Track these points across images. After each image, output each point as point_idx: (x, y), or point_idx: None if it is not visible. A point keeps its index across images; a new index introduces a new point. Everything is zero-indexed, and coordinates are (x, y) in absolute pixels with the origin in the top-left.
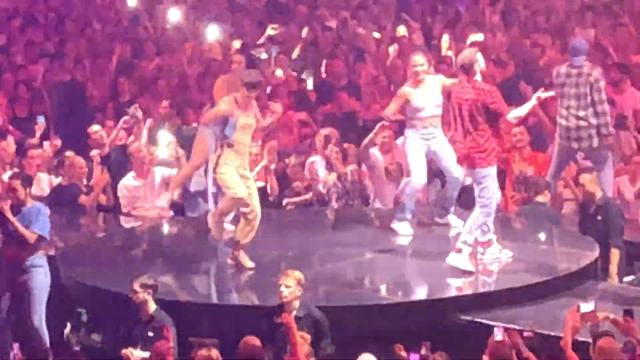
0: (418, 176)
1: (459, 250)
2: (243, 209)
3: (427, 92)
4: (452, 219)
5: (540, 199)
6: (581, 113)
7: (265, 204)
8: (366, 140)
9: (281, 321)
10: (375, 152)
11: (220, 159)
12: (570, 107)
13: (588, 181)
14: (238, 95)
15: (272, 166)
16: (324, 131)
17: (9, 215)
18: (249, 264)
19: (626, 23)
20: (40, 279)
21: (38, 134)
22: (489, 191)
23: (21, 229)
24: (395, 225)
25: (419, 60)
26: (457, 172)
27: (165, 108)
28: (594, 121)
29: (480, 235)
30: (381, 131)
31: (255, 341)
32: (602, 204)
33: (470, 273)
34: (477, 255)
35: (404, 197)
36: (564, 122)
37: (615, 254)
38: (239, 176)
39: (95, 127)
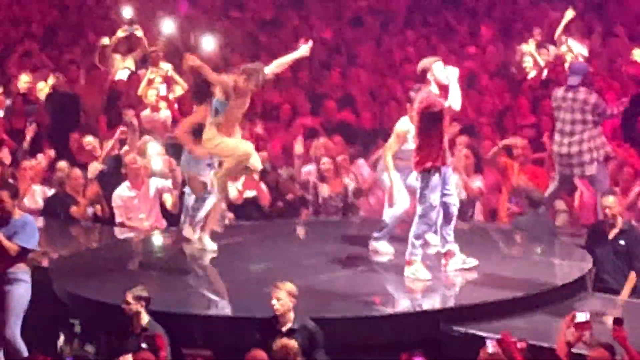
0: (403, 201)
1: (409, 263)
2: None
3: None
4: (430, 237)
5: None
6: (575, 138)
7: (257, 215)
8: (376, 155)
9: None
10: None
11: (209, 134)
12: (563, 132)
13: (611, 203)
14: (239, 80)
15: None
16: (319, 141)
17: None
18: (212, 246)
19: (619, 33)
20: (20, 293)
21: (28, 137)
22: (425, 199)
23: (3, 240)
24: (374, 244)
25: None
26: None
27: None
28: (585, 147)
29: (440, 247)
30: None
31: (262, 355)
32: (626, 229)
33: (427, 280)
34: (441, 267)
35: (387, 219)
36: (556, 147)
37: (633, 278)
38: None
39: (88, 138)
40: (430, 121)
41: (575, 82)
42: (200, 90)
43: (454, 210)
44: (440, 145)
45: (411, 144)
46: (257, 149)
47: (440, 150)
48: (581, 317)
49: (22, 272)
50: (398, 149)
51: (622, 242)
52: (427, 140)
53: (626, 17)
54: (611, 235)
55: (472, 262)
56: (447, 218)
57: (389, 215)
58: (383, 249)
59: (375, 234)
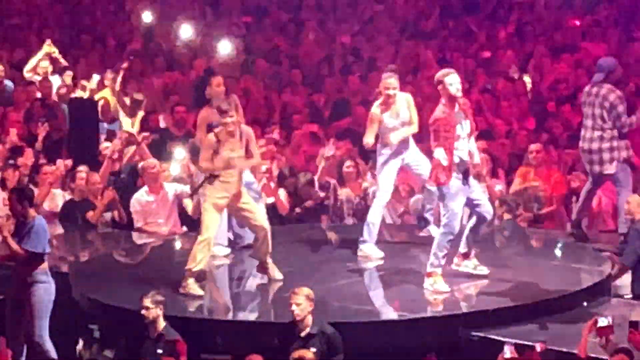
0: (385, 193)
1: (429, 275)
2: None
3: (396, 112)
4: (433, 229)
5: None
6: (596, 134)
7: (278, 220)
8: None
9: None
10: None
11: (205, 188)
12: (587, 127)
13: (633, 202)
14: (218, 130)
15: (272, 184)
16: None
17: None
18: (279, 275)
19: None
20: (40, 295)
21: (40, 137)
22: (448, 210)
23: (12, 244)
24: (361, 249)
25: (393, 83)
26: (426, 183)
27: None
28: (606, 145)
29: (462, 247)
30: None
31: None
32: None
33: (445, 292)
34: (452, 265)
35: (368, 216)
36: (581, 143)
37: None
38: (223, 205)
39: (105, 145)
40: (440, 136)
41: (599, 79)
42: (200, 95)
43: (488, 217)
44: (452, 158)
45: (393, 121)
46: (273, 156)
47: (446, 166)
48: (603, 322)
49: (40, 274)
50: (376, 130)
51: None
52: (444, 152)
53: None
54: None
55: (483, 270)
56: (478, 225)
57: (371, 211)
58: (371, 253)
59: (362, 237)
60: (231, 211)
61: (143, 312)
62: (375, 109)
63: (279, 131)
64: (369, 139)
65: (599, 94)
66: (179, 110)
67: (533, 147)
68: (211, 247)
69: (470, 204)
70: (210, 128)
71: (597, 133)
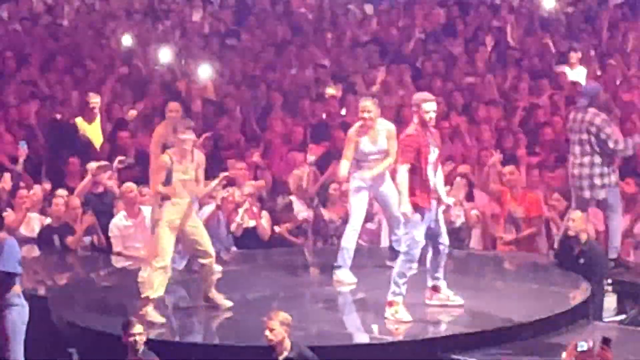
0: (357, 218)
1: (391, 304)
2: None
3: (374, 138)
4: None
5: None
6: (585, 160)
7: (257, 244)
8: None
9: None
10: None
11: (157, 213)
12: (575, 154)
13: (577, 218)
14: (172, 151)
15: (255, 209)
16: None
17: None
18: (227, 303)
19: (617, 61)
20: (14, 318)
21: (21, 160)
22: (409, 238)
23: None
24: (335, 274)
25: (368, 106)
26: (397, 212)
27: None
28: (597, 170)
29: (428, 281)
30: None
31: None
32: (586, 249)
33: (407, 322)
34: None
35: (342, 241)
36: (571, 169)
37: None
38: (176, 227)
39: (93, 164)
40: (408, 154)
41: (583, 104)
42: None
43: (445, 250)
44: (422, 185)
45: (369, 146)
46: (255, 178)
47: (423, 190)
48: (583, 346)
49: (13, 296)
50: (354, 154)
51: (582, 260)
52: (409, 180)
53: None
54: (574, 251)
55: (458, 300)
56: (436, 257)
57: (344, 236)
58: (345, 278)
59: (336, 262)
60: (178, 234)
61: (137, 338)
62: (353, 130)
63: (260, 154)
64: (343, 168)
65: (584, 119)
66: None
67: (507, 169)
68: (168, 273)
69: (428, 233)
70: (164, 148)
71: (586, 159)
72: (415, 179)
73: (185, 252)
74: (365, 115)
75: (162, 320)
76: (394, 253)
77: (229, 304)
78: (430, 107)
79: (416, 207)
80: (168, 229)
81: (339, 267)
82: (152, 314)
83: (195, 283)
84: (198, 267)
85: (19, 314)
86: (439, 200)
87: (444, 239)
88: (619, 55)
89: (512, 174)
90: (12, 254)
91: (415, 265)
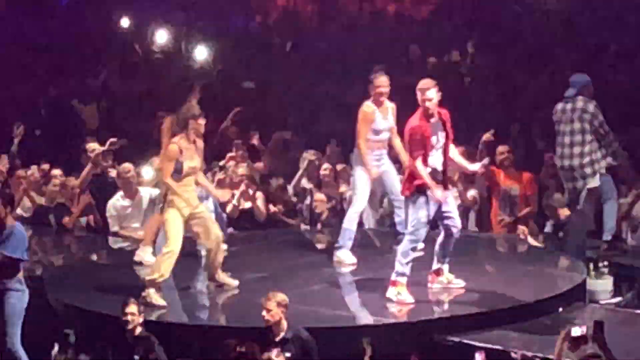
0: (362, 199)
1: (394, 284)
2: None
3: (385, 115)
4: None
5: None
6: (575, 150)
7: (253, 225)
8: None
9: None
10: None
11: (165, 201)
12: (564, 144)
13: (556, 200)
14: (178, 140)
15: (250, 191)
16: (309, 154)
17: None
18: (234, 282)
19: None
20: (14, 303)
21: (16, 141)
22: (414, 219)
23: None
24: (336, 254)
25: (385, 81)
26: (399, 194)
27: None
28: (587, 160)
29: (433, 264)
30: None
31: None
32: (564, 224)
33: (409, 304)
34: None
35: (344, 222)
36: (558, 161)
37: None
38: (185, 216)
39: (93, 145)
40: (417, 145)
41: (572, 94)
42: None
43: (456, 233)
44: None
45: (382, 123)
46: (253, 160)
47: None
48: (576, 331)
49: (14, 282)
50: (369, 131)
51: (560, 234)
52: (412, 163)
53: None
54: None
55: (459, 283)
56: (447, 240)
57: (347, 217)
58: (345, 259)
59: (337, 243)
60: (187, 219)
61: (128, 317)
62: (368, 108)
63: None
64: (364, 143)
65: (576, 108)
66: (160, 116)
67: (501, 148)
68: (175, 258)
69: (440, 216)
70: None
71: (576, 149)
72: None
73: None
74: (384, 90)
75: (163, 303)
76: (399, 236)
77: (236, 283)
78: (432, 94)
79: (420, 189)
80: (178, 215)
81: (340, 247)
82: (155, 297)
83: (199, 264)
84: (205, 250)
85: (19, 300)
86: (452, 183)
87: (457, 221)
88: None
89: (508, 153)
90: (22, 240)
91: (421, 245)
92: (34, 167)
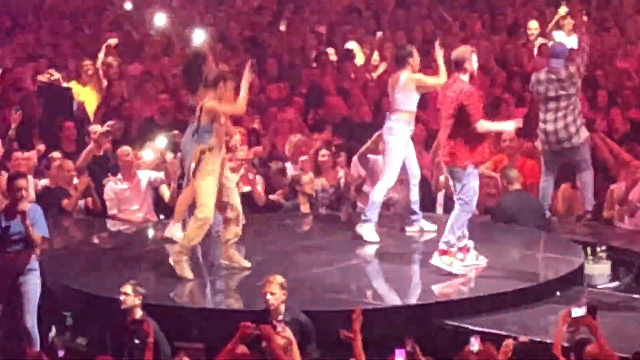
0: (394, 174)
1: (443, 252)
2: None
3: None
4: (424, 223)
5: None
6: (560, 114)
7: (252, 208)
8: (363, 148)
9: (262, 331)
10: (378, 158)
11: (200, 165)
12: (549, 110)
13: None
14: (213, 99)
15: (250, 174)
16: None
17: (27, 218)
18: (245, 263)
19: (611, 28)
20: (35, 282)
21: (14, 125)
22: (470, 188)
23: (32, 231)
24: (360, 227)
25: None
26: (418, 171)
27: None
28: (570, 119)
29: (457, 241)
30: (379, 139)
31: (244, 349)
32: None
33: (455, 275)
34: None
35: (372, 195)
36: (542, 125)
37: None
38: (218, 184)
39: (95, 127)
40: (478, 109)
41: (558, 65)
42: (190, 78)
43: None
44: (477, 138)
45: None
46: (251, 144)
47: (478, 144)
48: (577, 312)
49: (34, 261)
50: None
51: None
52: (466, 134)
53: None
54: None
55: (483, 260)
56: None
57: (376, 190)
58: (367, 235)
59: (363, 216)
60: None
61: (121, 297)
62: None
63: (260, 120)
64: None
65: (560, 75)
66: (162, 99)
67: (506, 135)
68: (207, 227)
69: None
70: None
71: (560, 112)
72: (471, 133)
73: None
74: (418, 64)
75: (190, 276)
76: (414, 216)
77: (248, 264)
78: (475, 57)
79: (474, 161)
80: (213, 179)
81: (366, 221)
82: (185, 266)
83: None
84: (223, 221)
85: (39, 279)
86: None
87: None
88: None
89: (512, 142)
90: (43, 218)
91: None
92: (32, 151)
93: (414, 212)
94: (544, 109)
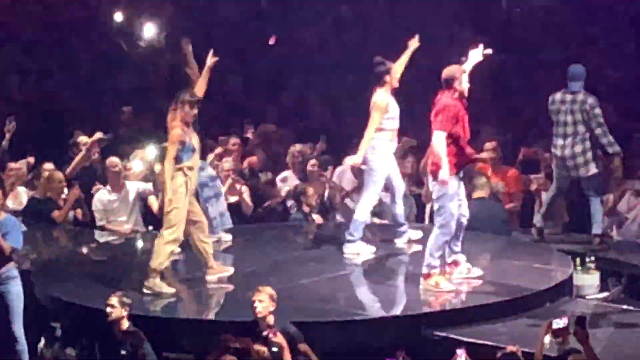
0: (376, 193)
1: (426, 276)
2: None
3: (395, 102)
4: (411, 233)
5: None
6: (577, 139)
7: (240, 220)
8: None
9: (241, 344)
10: (343, 168)
11: (175, 185)
12: (565, 135)
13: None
14: (180, 121)
15: (237, 186)
16: (296, 147)
17: None
18: (229, 269)
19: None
20: (17, 290)
21: (8, 136)
22: (446, 211)
23: (2, 242)
24: (347, 248)
25: (400, 69)
26: (402, 185)
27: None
28: (588, 146)
29: (447, 256)
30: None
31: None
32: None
33: (449, 292)
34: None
35: (356, 214)
36: (558, 152)
37: None
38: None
39: (83, 138)
40: (449, 122)
41: (577, 89)
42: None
43: (464, 221)
44: (460, 153)
45: (396, 109)
46: (245, 155)
47: (460, 158)
48: (558, 323)
49: (13, 269)
50: (380, 122)
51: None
52: (448, 148)
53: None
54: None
55: (477, 271)
56: (457, 230)
57: (361, 209)
58: (358, 252)
59: (348, 236)
60: None
61: (107, 309)
62: (382, 95)
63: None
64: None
65: (576, 99)
66: (126, 111)
67: (488, 145)
68: (177, 246)
69: None
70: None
71: (579, 137)
72: (453, 149)
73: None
74: (396, 81)
75: (173, 290)
76: (401, 228)
77: (231, 269)
78: (466, 78)
79: (442, 180)
80: (187, 199)
81: (353, 241)
82: (160, 284)
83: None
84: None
85: (20, 286)
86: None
87: (465, 210)
88: None
89: (495, 151)
90: (19, 228)
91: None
92: (22, 161)
93: (400, 224)
94: (561, 133)
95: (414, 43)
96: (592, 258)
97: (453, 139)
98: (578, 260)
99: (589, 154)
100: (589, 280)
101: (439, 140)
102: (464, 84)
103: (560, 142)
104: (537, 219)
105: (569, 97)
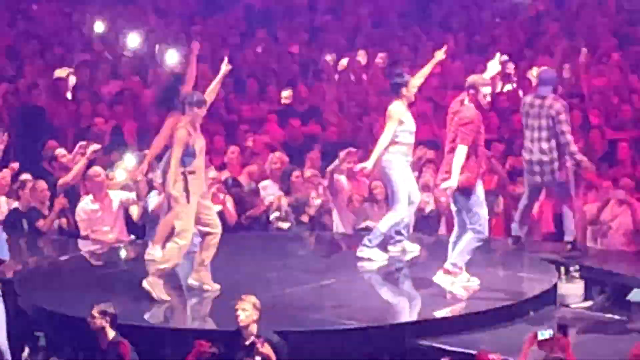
0: (405, 206)
1: (447, 272)
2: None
3: (411, 116)
4: (407, 244)
5: None
6: (544, 145)
7: (223, 229)
8: (332, 166)
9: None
10: (340, 178)
11: (183, 188)
12: (532, 139)
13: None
14: (187, 123)
15: (221, 195)
16: (275, 155)
17: None
18: (215, 285)
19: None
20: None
21: (1, 146)
22: (479, 216)
23: None
24: (362, 252)
25: (418, 82)
26: (417, 197)
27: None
28: (555, 154)
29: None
30: (347, 157)
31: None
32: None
33: (428, 295)
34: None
35: (380, 224)
36: (527, 155)
37: None
38: (200, 206)
39: (62, 151)
40: (470, 135)
41: (546, 93)
42: (167, 97)
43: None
44: (477, 160)
45: (409, 125)
46: (246, 164)
47: (478, 165)
48: (544, 334)
49: None
50: (396, 135)
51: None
52: (467, 156)
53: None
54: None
55: (475, 281)
56: (460, 237)
57: (385, 221)
58: (373, 257)
59: (366, 241)
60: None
61: (89, 319)
62: (398, 106)
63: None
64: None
65: (544, 104)
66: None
67: None
68: (185, 251)
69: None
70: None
71: (544, 144)
72: (472, 159)
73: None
74: (414, 91)
75: (167, 298)
76: (399, 236)
77: (217, 286)
78: (487, 90)
79: (472, 187)
80: (194, 205)
81: (370, 247)
82: (160, 288)
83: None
84: (202, 242)
85: (1, 297)
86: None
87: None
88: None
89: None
90: (3, 239)
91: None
92: (5, 171)
93: (399, 233)
94: (529, 137)
95: (440, 54)
96: (577, 267)
97: (474, 149)
98: (562, 269)
99: (556, 160)
100: (573, 289)
101: (460, 153)
102: (481, 95)
103: (529, 145)
104: (513, 226)
105: (537, 101)
